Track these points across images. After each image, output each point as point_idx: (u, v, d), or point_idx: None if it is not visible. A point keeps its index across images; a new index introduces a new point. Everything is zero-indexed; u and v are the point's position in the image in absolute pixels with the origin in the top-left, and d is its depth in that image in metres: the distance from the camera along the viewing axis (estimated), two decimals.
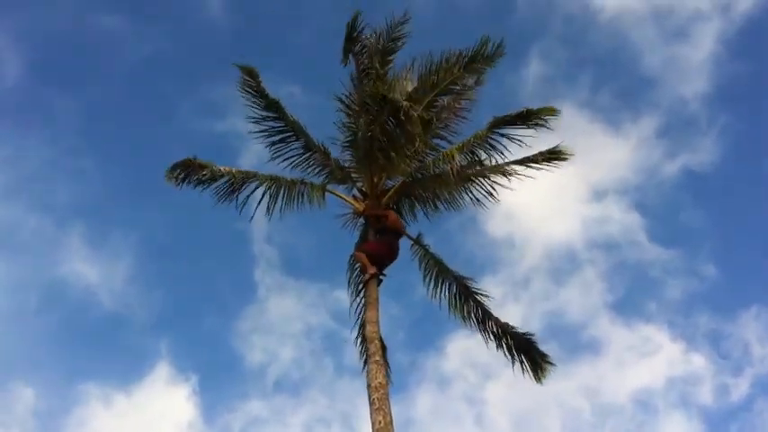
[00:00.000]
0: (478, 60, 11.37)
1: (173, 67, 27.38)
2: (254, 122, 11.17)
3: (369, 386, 8.83)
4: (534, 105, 10.22)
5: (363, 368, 10.77)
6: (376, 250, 10.34)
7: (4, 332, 23.80)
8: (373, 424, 8.36)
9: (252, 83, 10.87)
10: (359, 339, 11.03)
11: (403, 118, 9.71)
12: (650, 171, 26.67)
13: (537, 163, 10.54)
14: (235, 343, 25.04)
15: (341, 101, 11.05)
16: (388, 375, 9.66)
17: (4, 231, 24.91)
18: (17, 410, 22.51)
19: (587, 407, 23.36)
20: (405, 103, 9.88)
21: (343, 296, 12.03)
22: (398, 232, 10.57)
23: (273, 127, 11.21)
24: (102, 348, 24.78)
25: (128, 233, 26.02)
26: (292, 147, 11.40)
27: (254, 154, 11.50)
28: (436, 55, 11.34)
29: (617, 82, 28.41)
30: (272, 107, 11.01)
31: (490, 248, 22.92)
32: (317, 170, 11.55)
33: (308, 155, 11.46)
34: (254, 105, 11.08)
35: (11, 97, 25.82)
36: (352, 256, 11.03)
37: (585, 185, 24.83)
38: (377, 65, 10.66)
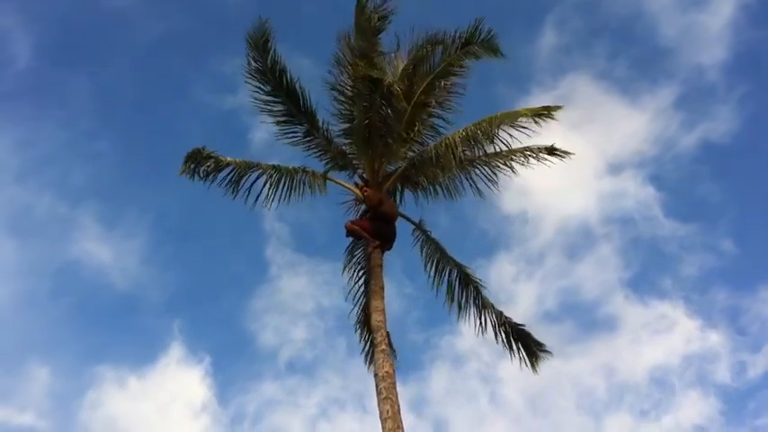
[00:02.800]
0: (475, 43, 11.16)
1: (184, 44, 27.32)
2: (260, 103, 11.25)
3: (376, 375, 9.04)
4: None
5: (363, 352, 11.30)
6: (368, 229, 10.51)
7: (18, 315, 24.10)
8: (381, 413, 8.58)
9: (259, 57, 10.83)
10: (359, 325, 11.33)
11: (389, 96, 9.77)
12: (667, 143, 26.13)
13: (535, 157, 10.63)
14: (247, 323, 25.07)
15: (333, 88, 11.04)
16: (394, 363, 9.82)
17: (18, 213, 25.06)
18: (32, 392, 22.75)
19: (602, 385, 23.25)
20: (388, 80, 9.90)
21: None
22: (390, 219, 10.63)
23: (279, 110, 11.27)
24: (115, 330, 25.12)
25: (141, 214, 26.06)
26: (296, 130, 11.46)
27: (264, 130, 11.60)
28: (432, 33, 11.11)
29: (633, 51, 27.74)
30: (279, 85, 11.00)
31: (503, 224, 22.70)
32: (319, 154, 11.60)
33: (309, 139, 11.50)
34: (261, 84, 11.08)
35: (24, 79, 25.89)
36: (345, 228, 10.83)
37: (601, 158, 24.37)
38: (363, 45, 10.47)
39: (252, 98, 11.25)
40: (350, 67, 10.65)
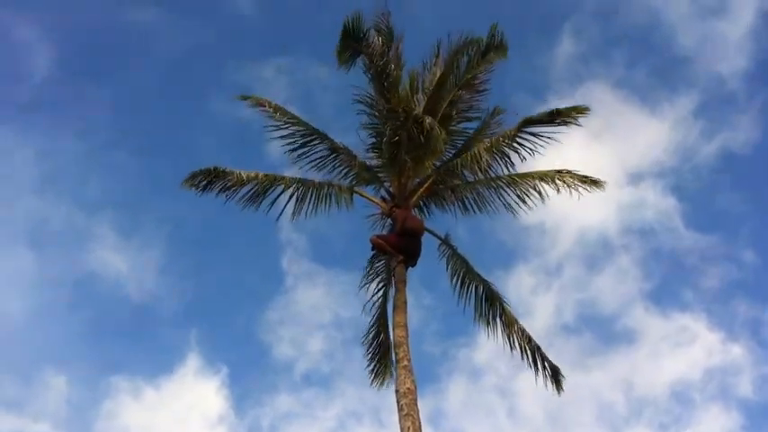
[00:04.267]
0: (492, 50, 11.20)
1: (203, 57, 27.61)
2: (275, 133, 11.31)
3: (397, 392, 8.86)
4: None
5: (369, 367, 11.31)
6: (394, 244, 10.38)
7: (36, 326, 24.39)
8: (402, 429, 8.44)
9: (265, 109, 11.07)
10: (369, 339, 11.30)
11: (425, 133, 9.73)
12: (687, 152, 25.84)
13: (569, 184, 10.42)
14: (263, 334, 24.86)
15: (361, 102, 11.05)
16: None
17: (37, 225, 25.38)
18: (48, 402, 22.93)
19: (622, 399, 22.81)
20: (427, 119, 9.83)
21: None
22: (416, 234, 10.49)
23: (295, 133, 11.27)
24: (132, 340, 25.04)
25: (159, 225, 26.25)
26: (316, 150, 11.43)
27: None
28: (463, 41, 11.18)
29: (652, 60, 27.41)
30: (290, 122, 11.15)
31: (521, 235, 22.49)
32: (343, 171, 11.57)
33: (333, 156, 11.48)
34: (273, 124, 11.25)
35: (43, 91, 26.18)
36: (371, 242, 10.73)
37: (620, 168, 24.13)
38: (391, 68, 10.60)
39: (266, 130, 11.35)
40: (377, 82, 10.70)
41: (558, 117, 10.06)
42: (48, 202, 25.72)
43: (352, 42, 10.43)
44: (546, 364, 10.65)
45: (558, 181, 10.47)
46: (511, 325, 10.75)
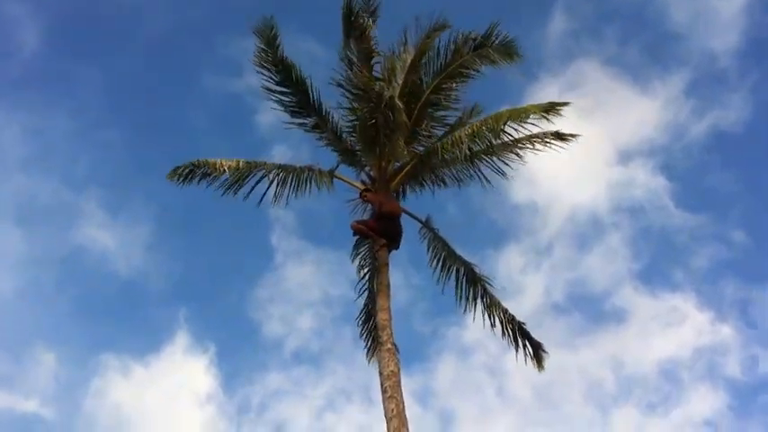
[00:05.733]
0: (489, 46, 10.93)
1: (192, 32, 27.14)
2: (268, 92, 11.22)
3: (381, 374, 9.05)
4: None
5: (365, 348, 11.40)
6: (374, 228, 10.53)
7: (24, 304, 24.39)
8: (386, 411, 8.62)
9: (268, 50, 10.83)
10: (362, 321, 11.41)
11: (389, 108, 9.78)
12: (678, 131, 25.74)
13: (543, 142, 10.54)
14: (252, 312, 24.93)
15: (340, 84, 10.96)
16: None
17: (25, 202, 25.25)
18: (37, 380, 22.98)
19: (611, 378, 23.06)
20: (389, 94, 9.89)
21: None
22: (393, 217, 10.59)
23: (288, 101, 11.27)
24: (120, 318, 25.11)
25: (147, 202, 26.05)
26: (305, 122, 11.48)
27: (272, 114, 11.56)
28: (437, 23, 10.96)
29: (644, 37, 27.37)
30: (288, 77, 10.99)
31: (512, 214, 22.55)
32: (328, 147, 11.63)
33: (318, 131, 11.52)
34: (270, 75, 11.08)
35: (32, 67, 25.94)
36: (351, 228, 10.91)
37: (611, 147, 24.14)
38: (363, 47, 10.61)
39: (262, 87, 11.22)
40: (353, 70, 10.67)
41: (539, 112, 10.06)
42: (35, 179, 25.54)
43: (348, 23, 10.44)
44: (528, 341, 10.91)
45: (533, 141, 10.63)
46: (492, 306, 10.96)
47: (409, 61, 11.15)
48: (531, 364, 10.98)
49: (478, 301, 11.03)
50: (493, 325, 10.99)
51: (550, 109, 10.11)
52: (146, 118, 26.02)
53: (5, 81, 25.35)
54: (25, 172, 25.42)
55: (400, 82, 11.13)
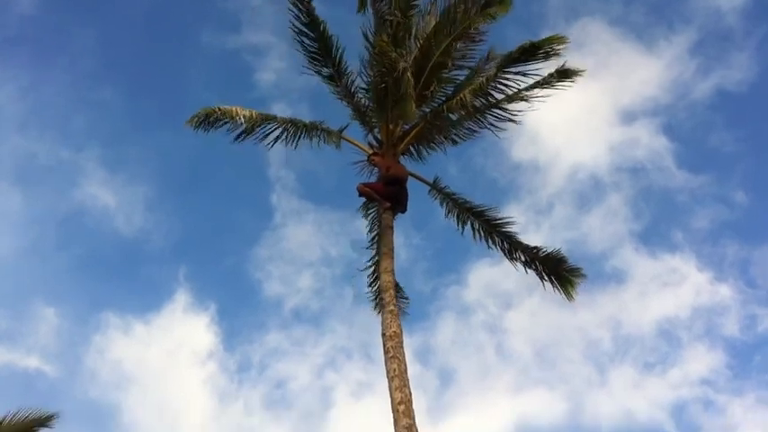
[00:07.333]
0: (493, 4, 10.83)
1: None
2: (294, 31, 11.12)
3: (383, 335, 9.40)
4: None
5: (376, 307, 11.48)
6: (381, 191, 10.75)
7: (25, 263, 24.24)
8: (388, 371, 9.01)
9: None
10: (371, 280, 11.68)
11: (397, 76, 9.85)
12: (682, 90, 25.27)
13: (548, 85, 10.44)
14: (252, 271, 25.20)
15: (366, 38, 10.99)
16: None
17: (23, 162, 24.84)
18: (39, 336, 23.41)
19: (608, 337, 23.43)
20: (401, 65, 9.91)
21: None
22: (400, 181, 10.75)
23: (309, 44, 11.23)
24: (121, 276, 25.45)
25: (146, 160, 25.74)
26: (322, 72, 11.48)
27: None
28: None
29: None
30: (314, 21, 10.95)
31: (514, 173, 22.30)
32: (340, 100, 11.64)
33: (333, 84, 11.55)
34: (299, 14, 10.97)
35: (26, 25, 25.43)
36: (357, 190, 11.05)
37: (614, 107, 23.61)
38: (397, 12, 10.58)
39: (290, 25, 11.06)
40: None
41: (536, 50, 10.00)
42: (32, 138, 24.87)
43: None
44: (560, 271, 11.31)
45: (539, 84, 10.49)
46: (514, 249, 11.47)
47: (432, 26, 11.16)
48: (560, 296, 11.34)
49: (498, 248, 11.55)
50: (517, 268, 11.47)
51: (545, 44, 9.98)
52: (142, 75, 25.30)
53: (1, 38, 24.67)
54: (22, 131, 24.67)
55: (413, 48, 11.18)
